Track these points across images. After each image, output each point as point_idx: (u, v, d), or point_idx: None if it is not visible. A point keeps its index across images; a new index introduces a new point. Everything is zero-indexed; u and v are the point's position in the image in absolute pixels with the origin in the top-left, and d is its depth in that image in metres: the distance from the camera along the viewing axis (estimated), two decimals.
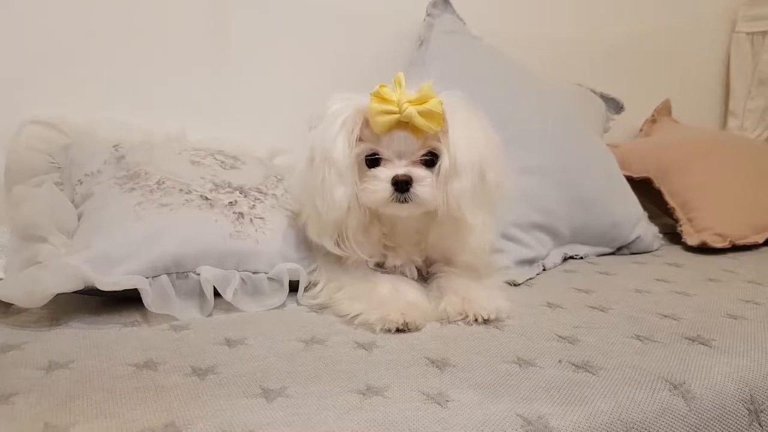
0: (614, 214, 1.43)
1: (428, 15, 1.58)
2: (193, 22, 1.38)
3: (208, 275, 0.94)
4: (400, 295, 0.94)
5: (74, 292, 0.91)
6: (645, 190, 1.71)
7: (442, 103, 0.90)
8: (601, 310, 1.01)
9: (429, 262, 1.07)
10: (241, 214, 1.04)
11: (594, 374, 0.74)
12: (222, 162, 1.15)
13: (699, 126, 2.09)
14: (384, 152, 0.94)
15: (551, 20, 1.89)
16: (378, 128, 0.91)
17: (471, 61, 1.49)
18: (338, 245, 0.98)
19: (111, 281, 0.88)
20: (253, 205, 1.07)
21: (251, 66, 1.46)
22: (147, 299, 0.89)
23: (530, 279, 1.21)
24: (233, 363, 0.75)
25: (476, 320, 0.91)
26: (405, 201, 0.92)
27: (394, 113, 0.89)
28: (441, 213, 0.94)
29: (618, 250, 1.48)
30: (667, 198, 1.67)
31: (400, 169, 0.92)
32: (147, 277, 0.92)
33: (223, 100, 1.45)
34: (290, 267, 1.00)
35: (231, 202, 1.05)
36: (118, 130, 1.24)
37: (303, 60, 1.50)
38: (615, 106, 1.73)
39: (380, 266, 1.04)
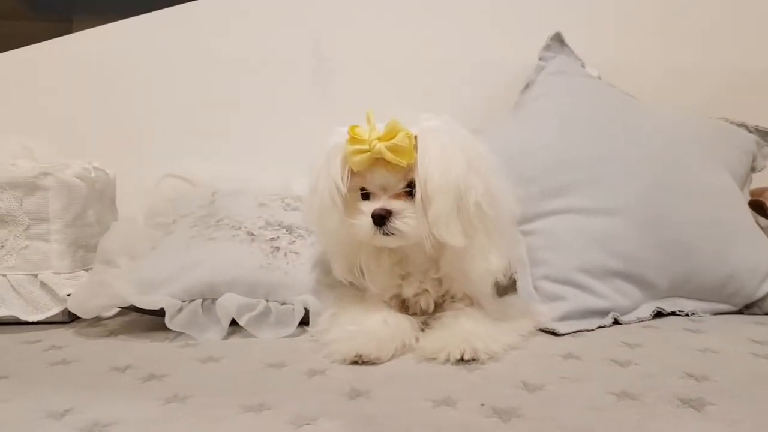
0: (730, 263, 1.18)
1: (540, 59, 1.55)
2: (298, 88, 1.57)
3: (226, 302, 1.05)
4: (380, 328, 0.93)
5: (131, 310, 1.10)
6: None
7: (410, 136, 0.91)
8: (620, 365, 0.86)
9: (451, 297, 1.04)
10: (278, 248, 1.13)
11: (505, 422, 0.66)
12: (287, 204, 1.27)
13: None
14: (369, 187, 0.97)
15: (704, 52, 1.69)
16: (355, 167, 0.94)
17: (572, 99, 1.41)
18: (357, 276, 1.03)
19: (144, 300, 1.04)
20: (293, 241, 1.16)
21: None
22: (167, 318, 1.03)
23: (588, 330, 1.07)
24: (185, 372, 0.85)
25: (448, 359, 0.87)
26: (387, 234, 0.93)
27: (366, 152, 0.92)
28: (428, 241, 0.93)
29: (747, 309, 1.22)
30: None
31: (379, 203, 0.94)
32: (183, 301, 1.06)
33: None
34: (304, 298, 1.06)
35: (272, 238, 1.15)
36: (234, 181, 1.44)
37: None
38: None
39: (400, 300, 1.04)
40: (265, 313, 1.07)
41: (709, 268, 1.19)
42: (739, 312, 1.22)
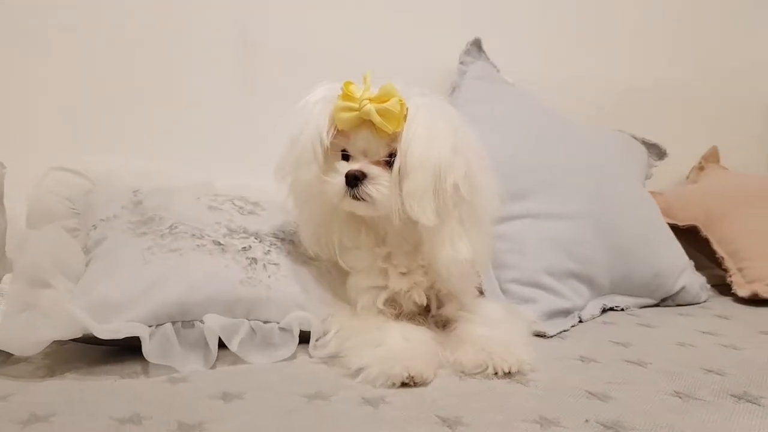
0: (657, 263, 1.33)
1: (461, 63, 1.57)
2: (221, 73, 1.39)
3: (213, 324, 0.89)
4: (409, 345, 0.88)
5: (75, 341, 0.88)
6: (692, 239, 1.61)
7: (403, 104, 0.88)
8: (639, 365, 0.92)
9: (438, 293, 1.01)
10: (254, 260, 1.00)
11: None
12: (240, 208, 1.12)
13: (748, 174, 1.98)
14: (350, 149, 0.94)
15: (596, 65, 1.85)
16: (341, 124, 0.91)
17: (502, 105, 1.46)
18: (327, 251, 1.01)
19: (109, 329, 0.84)
20: (268, 251, 1.03)
21: (278, 114, 1.45)
22: (146, 348, 0.85)
23: (564, 331, 1.12)
24: (224, 419, 0.69)
25: (496, 373, 0.84)
26: (357, 198, 0.90)
27: (354, 110, 0.89)
28: (396, 214, 0.90)
29: (662, 302, 1.38)
30: (716, 247, 1.56)
31: (356, 165, 0.91)
32: (150, 326, 0.88)
33: (251, 148, 1.43)
34: (301, 316, 0.95)
35: (244, 248, 1.01)
36: (142, 177, 1.23)
37: None
38: (657, 152, 1.65)
39: (392, 306, 0.99)
40: (251, 334, 0.93)
41: (642, 267, 1.32)
42: (656, 305, 1.37)
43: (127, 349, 0.91)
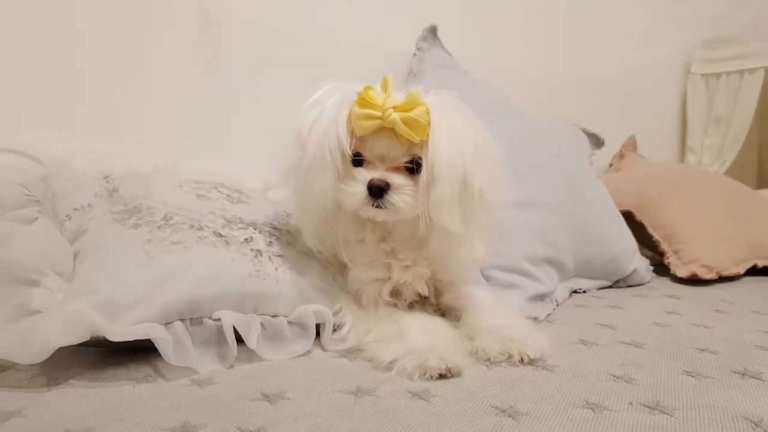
0: (614, 247, 1.43)
1: (418, 49, 1.57)
2: (181, 50, 1.30)
3: (230, 320, 0.85)
4: (433, 336, 0.88)
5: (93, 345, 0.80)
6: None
7: (428, 113, 0.87)
8: (636, 346, 0.98)
9: (438, 283, 1.01)
10: (259, 252, 0.95)
11: (672, 416, 0.70)
12: (228, 196, 1.07)
13: (666, 162, 2.15)
14: (366, 153, 0.90)
15: (524, 57, 1.91)
16: (360, 132, 0.87)
17: (465, 95, 1.46)
18: (329, 247, 0.98)
19: (124, 331, 0.77)
20: (270, 242, 0.99)
21: (241, 95, 1.39)
22: (167, 351, 0.79)
23: (548, 315, 1.17)
24: (284, 422, 0.66)
25: (521, 360, 0.86)
26: (380, 207, 0.88)
27: (377, 118, 0.86)
28: (423, 222, 0.89)
29: (615, 283, 1.47)
30: (651, 231, 1.68)
31: (377, 173, 0.89)
32: (160, 325, 0.82)
33: (212, 131, 1.37)
34: (316, 309, 0.92)
35: (246, 239, 0.96)
36: (102, 160, 1.14)
37: (294, 91, 1.44)
38: (596, 141, 1.75)
39: (395, 296, 0.98)
40: (262, 330, 0.89)
41: (602, 251, 1.40)
42: (610, 286, 1.46)
43: (126, 350, 0.85)
